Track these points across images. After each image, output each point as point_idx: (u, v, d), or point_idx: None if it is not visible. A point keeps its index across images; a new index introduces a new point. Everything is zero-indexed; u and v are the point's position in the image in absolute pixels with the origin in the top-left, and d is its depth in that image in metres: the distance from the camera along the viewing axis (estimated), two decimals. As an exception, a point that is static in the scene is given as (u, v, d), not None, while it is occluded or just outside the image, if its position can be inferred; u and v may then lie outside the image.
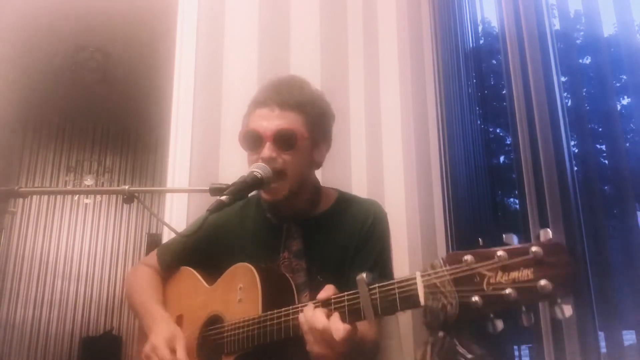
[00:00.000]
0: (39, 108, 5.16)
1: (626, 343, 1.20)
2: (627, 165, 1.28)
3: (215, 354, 1.14)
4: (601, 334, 1.21)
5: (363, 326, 0.98)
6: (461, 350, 0.71)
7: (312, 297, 1.12)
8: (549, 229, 0.68)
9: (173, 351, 1.13)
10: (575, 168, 1.32)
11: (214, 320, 1.19)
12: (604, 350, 1.20)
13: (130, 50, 4.07)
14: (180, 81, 2.03)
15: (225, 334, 1.12)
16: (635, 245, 1.22)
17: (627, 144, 1.34)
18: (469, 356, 0.70)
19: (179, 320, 1.27)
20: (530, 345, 1.59)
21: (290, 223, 1.26)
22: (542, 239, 0.68)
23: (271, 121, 1.18)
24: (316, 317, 0.91)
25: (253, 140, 1.20)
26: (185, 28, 2.09)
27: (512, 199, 1.79)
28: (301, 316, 0.94)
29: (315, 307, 0.93)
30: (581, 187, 1.30)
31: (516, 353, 1.67)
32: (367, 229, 1.25)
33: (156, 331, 1.19)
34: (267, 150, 1.16)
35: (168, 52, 2.22)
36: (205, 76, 2.04)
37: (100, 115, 5.48)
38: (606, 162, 1.42)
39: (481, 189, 1.82)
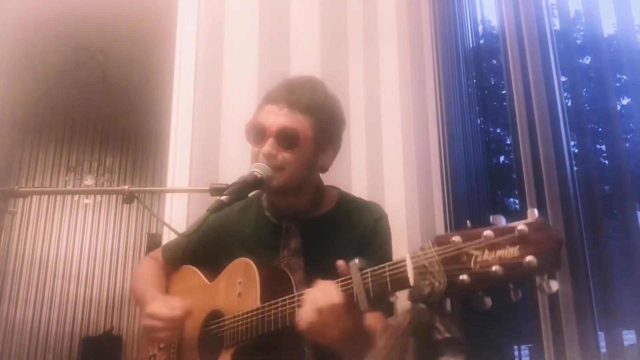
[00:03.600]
0: (39, 108, 5.16)
1: (626, 343, 1.21)
2: (627, 165, 1.28)
3: (216, 347, 1.15)
4: (601, 334, 1.21)
5: (373, 321, 0.99)
6: (440, 327, 0.72)
7: None
8: (535, 209, 0.70)
9: (171, 308, 1.16)
10: (575, 168, 1.32)
11: (214, 316, 1.20)
12: (604, 350, 1.20)
13: (130, 50, 4.08)
14: (180, 81, 2.03)
15: (225, 328, 1.14)
16: (635, 245, 1.22)
17: (627, 144, 1.34)
18: (447, 335, 0.71)
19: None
20: (530, 345, 1.59)
21: (290, 222, 1.26)
22: (528, 218, 0.70)
23: (278, 118, 1.19)
24: (329, 289, 0.91)
25: (257, 134, 1.21)
26: (186, 28, 2.09)
27: (512, 199, 1.79)
28: (314, 290, 0.94)
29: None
30: (581, 187, 1.30)
31: (516, 353, 1.67)
32: (369, 232, 1.25)
33: (149, 303, 1.21)
34: (268, 146, 1.17)
35: (168, 52, 2.22)
36: (205, 76, 2.04)
37: (100, 115, 5.48)
38: (606, 162, 1.42)
39: (481, 189, 1.82)
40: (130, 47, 4.02)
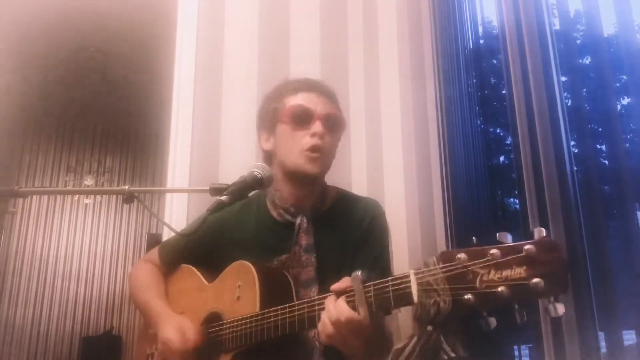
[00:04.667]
0: (39, 108, 5.16)
1: (626, 343, 1.21)
2: (627, 165, 1.28)
3: (215, 351, 1.15)
4: (601, 334, 1.21)
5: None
6: (446, 347, 0.71)
7: (321, 292, 1.13)
8: (542, 228, 0.69)
9: (185, 340, 1.14)
10: (575, 168, 1.32)
11: (213, 318, 1.19)
12: (604, 350, 1.20)
13: (130, 50, 4.07)
14: (180, 81, 2.03)
15: (224, 332, 1.13)
16: (635, 245, 1.22)
17: (627, 144, 1.34)
18: (452, 354, 0.71)
19: None
20: (530, 345, 1.59)
21: (302, 218, 1.26)
22: (536, 237, 0.68)
23: (322, 104, 1.26)
24: (340, 307, 0.90)
25: (304, 115, 1.25)
26: (185, 28, 2.09)
27: (512, 199, 1.79)
28: (327, 307, 0.92)
29: (337, 298, 0.92)
30: (581, 187, 1.30)
31: (516, 353, 1.67)
32: (366, 227, 1.26)
33: (163, 326, 1.20)
34: (320, 126, 1.23)
35: (168, 52, 2.22)
36: (205, 76, 2.04)
37: (100, 115, 5.48)
38: (606, 162, 1.42)
39: (481, 189, 1.82)
40: (130, 47, 4.01)
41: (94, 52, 4.15)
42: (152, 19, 3.37)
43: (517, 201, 1.52)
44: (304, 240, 1.23)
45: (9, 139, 5.26)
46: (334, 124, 1.27)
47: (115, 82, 4.55)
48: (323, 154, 1.23)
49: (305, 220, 1.25)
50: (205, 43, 2.08)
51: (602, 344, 1.21)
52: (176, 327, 1.17)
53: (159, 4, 2.83)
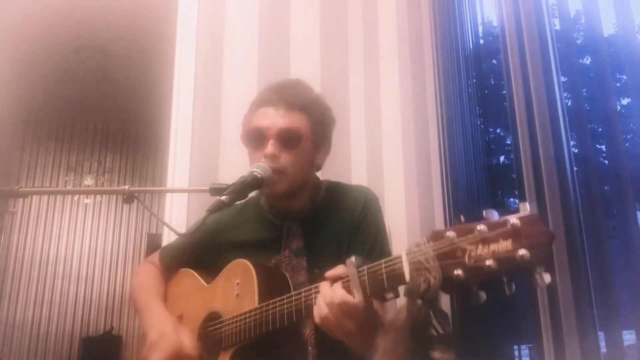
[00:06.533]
0: (39, 108, 5.17)
1: (626, 343, 1.20)
2: (627, 165, 1.28)
3: (215, 349, 1.15)
4: (601, 334, 1.21)
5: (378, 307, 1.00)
6: (435, 323, 0.73)
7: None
8: (527, 203, 0.71)
9: (171, 343, 1.14)
10: (575, 168, 1.32)
11: (212, 317, 1.20)
12: (604, 350, 1.20)
13: (130, 50, 4.08)
14: (180, 81, 2.03)
15: (224, 329, 1.13)
16: (635, 245, 1.22)
17: (627, 144, 1.34)
18: (440, 331, 0.73)
19: (179, 321, 1.28)
20: (530, 345, 1.59)
21: (291, 222, 1.26)
22: (520, 212, 0.70)
23: (276, 119, 1.19)
24: (335, 291, 0.91)
25: (257, 138, 1.21)
26: (186, 28, 2.09)
27: (512, 199, 1.79)
28: (322, 291, 0.93)
29: (332, 284, 0.93)
30: (581, 187, 1.30)
31: (516, 353, 1.67)
32: (358, 215, 1.26)
33: (153, 328, 1.20)
34: (271, 147, 1.17)
35: (168, 52, 2.22)
36: (205, 76, 2.04)
37: (100, 115, 5.49)
38: (606, 162, 1.42)
39: (481, 189, 1.81)
40: (130, 47, 4.02)
41: (94, 52, 4.15)
42: (152, 19, 3.37)
43: (517, 201, 1.52)
44: (294, 244, 1.24)
45: (9, 139, 5.26)
46: (291, 140, 1.18)
47: (115, 82, 4.56)
48: (283, 173, 1.17)
49: (292, 226, 1.26)
50: (205, 43, 2.08)
51: (602, 344, 1.21)
52: (158, 332, 1.17)
53: (159, 4, 2.83)
